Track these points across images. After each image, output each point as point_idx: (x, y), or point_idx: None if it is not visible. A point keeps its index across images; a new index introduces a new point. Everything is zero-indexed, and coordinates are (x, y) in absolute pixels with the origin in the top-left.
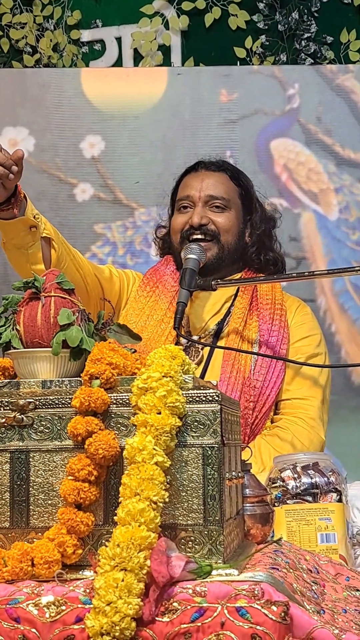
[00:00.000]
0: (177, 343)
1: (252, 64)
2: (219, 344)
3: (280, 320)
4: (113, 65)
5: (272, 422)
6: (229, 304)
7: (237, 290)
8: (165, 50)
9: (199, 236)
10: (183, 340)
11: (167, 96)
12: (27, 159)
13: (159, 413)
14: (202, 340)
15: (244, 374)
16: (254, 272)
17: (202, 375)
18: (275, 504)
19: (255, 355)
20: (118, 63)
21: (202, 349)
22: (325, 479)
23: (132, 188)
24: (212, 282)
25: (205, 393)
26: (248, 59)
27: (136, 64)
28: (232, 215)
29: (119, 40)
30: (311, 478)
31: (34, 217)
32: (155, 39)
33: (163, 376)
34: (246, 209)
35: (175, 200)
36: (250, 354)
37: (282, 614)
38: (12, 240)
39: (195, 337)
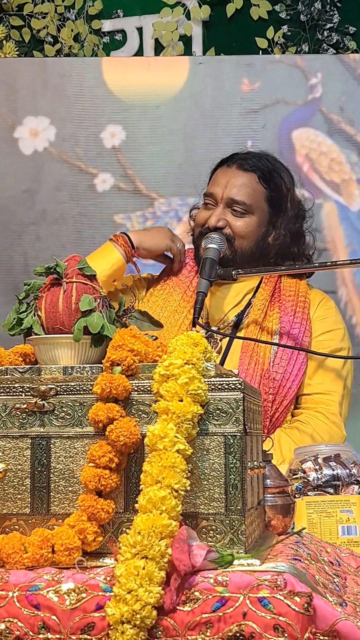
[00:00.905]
0: (225, 336)
1: (274, 54)
2: (238, 335)
3: (303, 312)
4: (134, 56)
5: (292, 416)
6: (250, 296)
7: (260, 283)
8: (187, 40)
9: (216, 235)
10: (202, 331)
11: (189, 86)
12: (47, 149)
13: (181, 400)
14: (221, 331)
15: (262, 366)
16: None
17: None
18: (296, 496)
19: (275, 347)
20: (139, 53)
21: (220, 340)
22: (347, 470)
23: (153, 178)
24: (233, 272)
25: (228, 381)
26: (270, 49)
27: (157, 54)
28: (253, 221)
29: (140, 30)
30: (333, 470)
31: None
32: (176, 29)
33: (185, 363)
34: (275, 210)
35: (203, 193)
36: (269, 344)
37: (305, 605)
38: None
39: (214, 328)
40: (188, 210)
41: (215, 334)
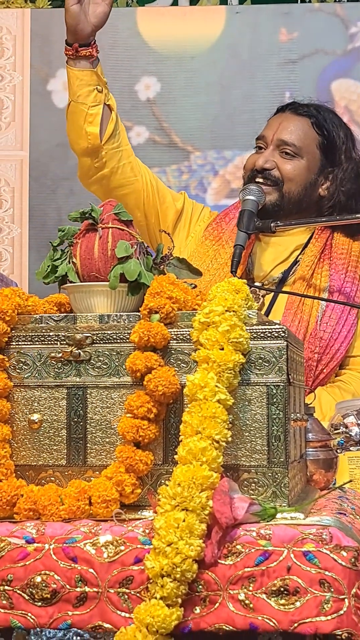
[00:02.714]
0: (265, 289)
1: (313, 2)
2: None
3: (355, 271)
4: (170, 6)
5: (336, 376)
6: (298, 252)
7: (310, 239)
8: None
9: (261, 180)
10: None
11: (225, 36)
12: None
13: (222, 349)
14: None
15: (307, 324)
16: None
17: None
18: (338, 451)
19: (323, 306)
20: (174, 4)
21: (263, 296)
22: None
23: (188, 131)
24: (272, 224)
25: (271, 329)
26: None
27: (193, 4)
28: (302, 165)
29: None
30: None
31: (103, 78)
32: None
33: (226, 310)
34: (328, 160)
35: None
36: (315, 299)
37: (353, 560)
38: (78, 93)
39: (257, 284)
40: (224, 164)
41: (258, 290)
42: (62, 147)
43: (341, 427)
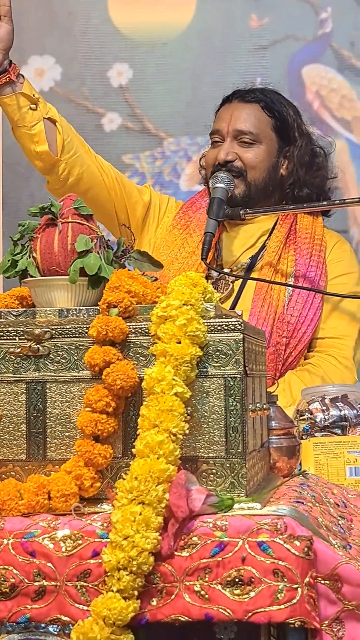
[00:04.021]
0: (208, 276)
1: None
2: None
3: (319, 256)
4: None
5: (305, 359)
6: (265, 238)
7: (275, 224)
8: None
9: (225, 175)
10: (214, 273)
11: (196, 22)
12: (53, 89)
13: (179, 342)
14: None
15: (276, 309)
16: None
17: (232, 309)
18: (303, 437)
19: (290, 290)
20: None
21: (232, 282)
22: (355, 411)
23: (161, 117)
24: (241, 212)
25: (227, 322)
26: None
27: None
28: (262, 150)
29: None
30: (340, 410)
31: (33, 95)
32: None
33: (183, 304)
34: (283, 140)
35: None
36: (283, 285)
37: (306, 549)
38: (15, 118)
39: (226, 270)
40: (197, 150)
41: (227, 276)
42: None
43: (306, 414)
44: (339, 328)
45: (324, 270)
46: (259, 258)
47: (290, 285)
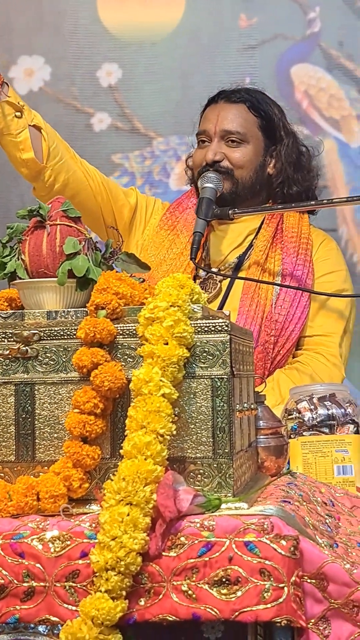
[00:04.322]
0: (196, 275)
1: None
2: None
3: (306, 254)
4: None
5: (293, 357)
6: (252, 237)
7: (262, 223)
8: None
9: (214, 175)
10: (202, 273)
11: (185, 22)
12: (43, 89)
13: (166, 344)
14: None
15: (264, 308)
16: (280, 202)
17: (221, 309)
18: (291, 436)
19: (277, 289)
20: None
21: (220, 281)
22: (342, 410)
23: (150, 117)
24: (229, 212)
25: (214, 323)
26: None
27: None
28: (249, 150)
29: None
30: (328, 409)
31: (18, 103)
32: None
33: (170, 306)
34: (269, 139)
35: (196, 133)
36: (271, 285)
37: (292, 549)
38: (0, 126)
39: (214, 270)
40: (187, 149)
41: (215, 275)
42: None
43: (294, 413)
44: (326, 326)
45: (310, 268)
46: (246, 257)
47: (278, 285)
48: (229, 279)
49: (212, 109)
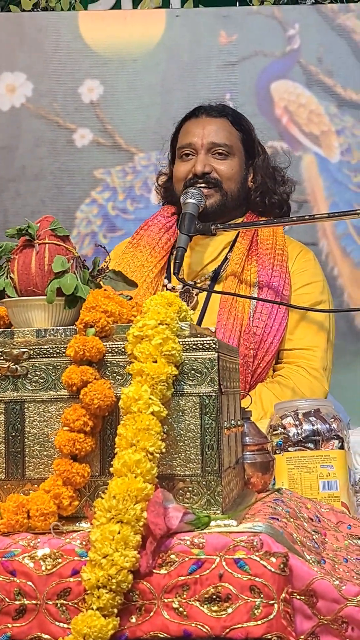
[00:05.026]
0: (173, 288)
1: (252, 5)
2: (216, 288)
3: (281, 266)
4: (111, 9)
5: (274, 371)
6: (227, 250)
7: (237, 237)
8: None
9: (202, 185)
10: (178, 286)
11: (166, 39)
12: (25, 105)
13: (155, 361)
14: (198, 285)
15: (242, 321)
16: (257, 215)
17: (199, 322)
18: (277, 452)
19: (255, 302)
20: (117, 6)
21: (196, 294)
22: (327, 425)
23: (132, 132)
24: (212, 227)
25: (202, 340)
26: (248, 0)
27: (135, 7)
28: (235, 162)
29: None
30: (313, 425)
31: None
32: None
33: (159, 324)
34: (248, 153)
35: (177, 148)
36: (248, 299)
37: (282, 566)
38: None
39: (190, 282)
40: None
41: (192, 289)
42: (7, 150)
43: (279, 428)
44: (306, 339)
45: (287, 280)
46: (222, 269)
47: (255, 299)
48: (205, 292)
49: (194, 122)
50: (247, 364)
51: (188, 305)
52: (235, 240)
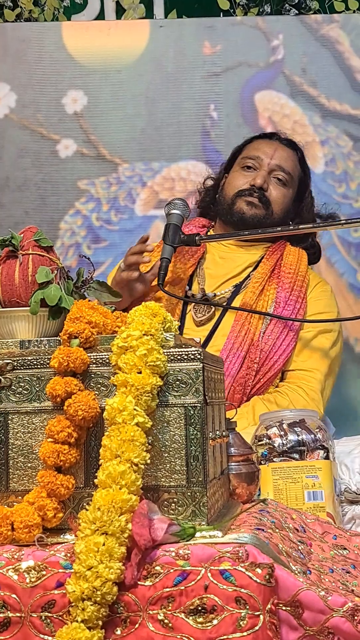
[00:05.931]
0: (193, 296)
1: (236, 16)
2: (235, 302)
3: (300, 291)
4: (95, 19)
5: (275, 387)
6: (251, 269)
7: (262, 258)
8: (148, 3)
9: (256, 197)
10: (198, 295)
11: (150, 49)
12: (8, 116)
13: (140, 372)
14: (217, 300)
15: (252, 335)
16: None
17: (214, 330)
18: (262, 462)
19: (267, 321)
20: (100, 16)
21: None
22: (312, 436)
23: (116, 143)
24: (196, 238)
25: (187, 351)
26: (232, 10)
27: (118, 17)
28: (289, 194)
29: None
30: (298, 435)
31: None
32: None
33: (143, 334)
34: (299, 193)
35: (240, 157)
36: (259, 314)
37: (267, 577)
38: None
39: (210, 294)
40: (152, 175)
41: (210, 299)
42: None
43: (265, 439)
44: (309, 362)
45: (303, 305)
46: (242, 287)
47: (265, 314)
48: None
49: (267, 142)
50: (248, 376)
51: (204, 315)
52: (260, 261)
